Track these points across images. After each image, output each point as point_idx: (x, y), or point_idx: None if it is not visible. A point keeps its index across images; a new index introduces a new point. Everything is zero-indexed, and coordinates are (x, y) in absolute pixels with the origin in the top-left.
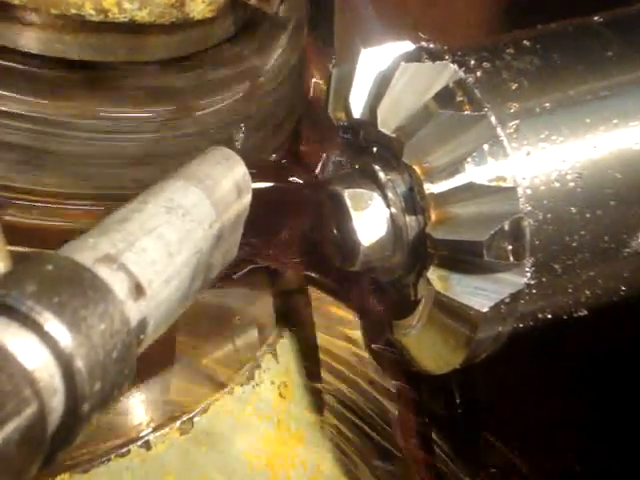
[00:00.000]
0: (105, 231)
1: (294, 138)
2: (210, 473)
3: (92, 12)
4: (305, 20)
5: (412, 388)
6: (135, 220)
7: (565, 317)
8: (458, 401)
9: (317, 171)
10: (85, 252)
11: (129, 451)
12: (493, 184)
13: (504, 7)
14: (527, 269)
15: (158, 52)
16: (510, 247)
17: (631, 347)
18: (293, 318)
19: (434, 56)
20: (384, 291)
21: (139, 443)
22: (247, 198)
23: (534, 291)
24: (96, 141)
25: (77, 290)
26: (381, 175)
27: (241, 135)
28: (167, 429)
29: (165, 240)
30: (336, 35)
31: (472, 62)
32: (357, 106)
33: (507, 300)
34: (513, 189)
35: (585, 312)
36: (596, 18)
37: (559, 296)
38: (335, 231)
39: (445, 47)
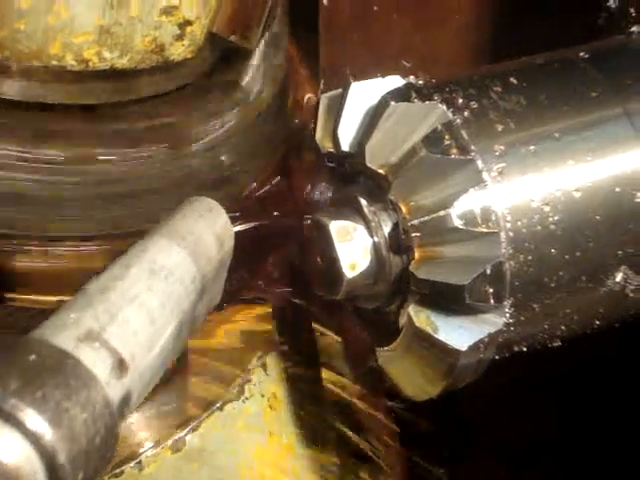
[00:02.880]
0: (88, 302)
1: (282, 164)
2: None
3: (73, 63)
4: (285, 48)
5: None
6: (117, 289)
7: (539, 347)
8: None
9: (303, 198)
10: (67, 331)
11: (122, 472)
12: (477, 229)
13: (489, 35)
14: (507, 310)
15: (139, 92)
16: (491, 290)
17: (609, 365)
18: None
19: (422, 95)
20: (367, 318)
21: (132, 464)
22: (229, 246)
23: (512, 328)
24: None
25: (60, 380)
26: (366, 208)
27: (227, 159)
28: (159, 449)
29: (147, 307)
30: (321, 60)
31: (460, 101)
32: (345, 139)
33: (486, 339)
34: (496, 234)
35: (559, 343)
36: (582, 54)
37: (535, 331)
38: (319, 260)
39: (433, 81)
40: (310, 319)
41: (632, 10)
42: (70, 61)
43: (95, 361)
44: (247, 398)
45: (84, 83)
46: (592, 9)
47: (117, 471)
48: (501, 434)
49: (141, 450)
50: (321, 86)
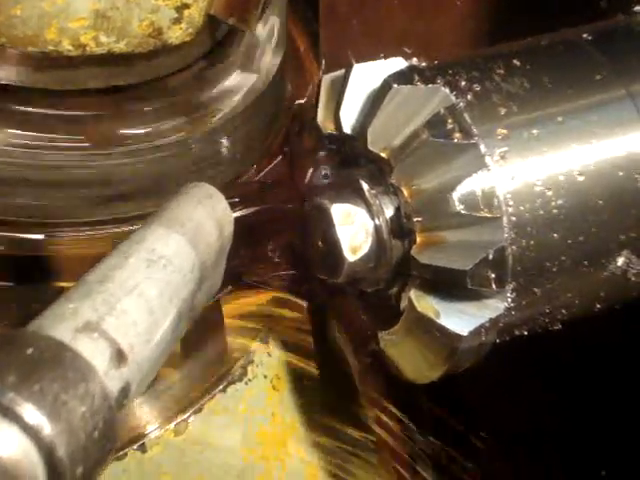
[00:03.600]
0: (86, 292)
1: (283, 145)
2: (206, 471)
3: (70, 48)
4: (285, 31)
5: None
6: (116, 279)
7: (540, 331)
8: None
9: (304, 181)
10: (65, 322)
11: (125, 454)
12: (479, 214)
13: (490, 20)
14: (508, 294)
15: (137, 77)
16: (493, 275)
17: (612, 351)
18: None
19: (425, 77)
20: (368, 301)
21: (135, 446)
22: (229, 232)
23: (513, 312)
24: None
25: (58, 373)
26: (368, 192)
27: (226, 145)
28: (162, 431)
29: (146, 297)
30: (321, 45)
31: (463, 83)
32: (347, 121)
33: (487, 324)
34: (499, 219)
35: (559, 326)
36: (585, 35)
37: (537, 315)
38: (320, 243)
39: (436, 63)
40: (312, 302)
41: None
42: (67, 46)
43: (94, 352)
44: (250, 380)
45: (81, 68)
46: None
47: (120, 454)
48: (501, 420)
49: (144, 433)
50: (322, 67)
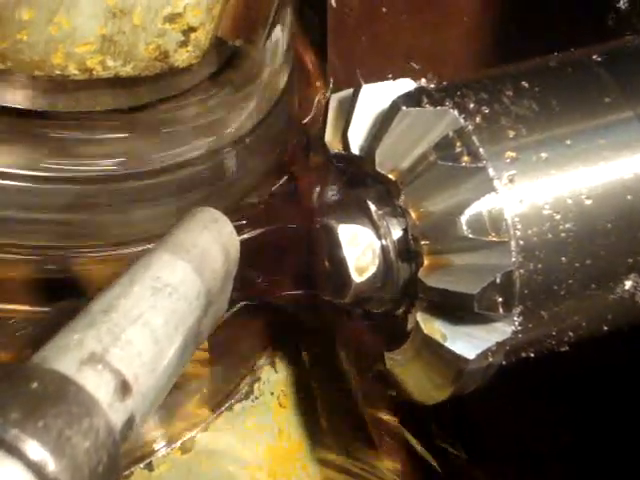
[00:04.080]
0: (91, 322)
1: (290, 164)
2: None
3: (76, 72)
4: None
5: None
6: (120, 308)
7: (547, 353)
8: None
9: (311, 200)
10: (70, 353)
11: (132, 473)
12: (487, 238)
13: (496, 35)
14: (515, 318)
15: (144, 99)
16: (500, 299)
17: (619, 370)
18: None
19: (434, 99)
20: (375, 321)
21: (142, 465)
22: (235, 256)
23: (520, 335)
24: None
25: (62, 408)
26: (375, 212)
27: (233, 162)
28: (169, 449)
29: (151, 327)
30: (329, 60)
31: (471, 106)
32: (355, 142)
33: (494, 347)
34: (507, 243)
35: (567, 348)
36: (594, 57)
37: (543, 338)
38: (327, 263)
39: (444, 84)
40: (318, 320)
41: None
42: (73, 70)
43: (98, 384)
44: (257, 397)
45: (87, 91)
46: (601, 9)
47: (127, 472)
48: (509, 438)
49: (151, 451)
50: (330, 85)
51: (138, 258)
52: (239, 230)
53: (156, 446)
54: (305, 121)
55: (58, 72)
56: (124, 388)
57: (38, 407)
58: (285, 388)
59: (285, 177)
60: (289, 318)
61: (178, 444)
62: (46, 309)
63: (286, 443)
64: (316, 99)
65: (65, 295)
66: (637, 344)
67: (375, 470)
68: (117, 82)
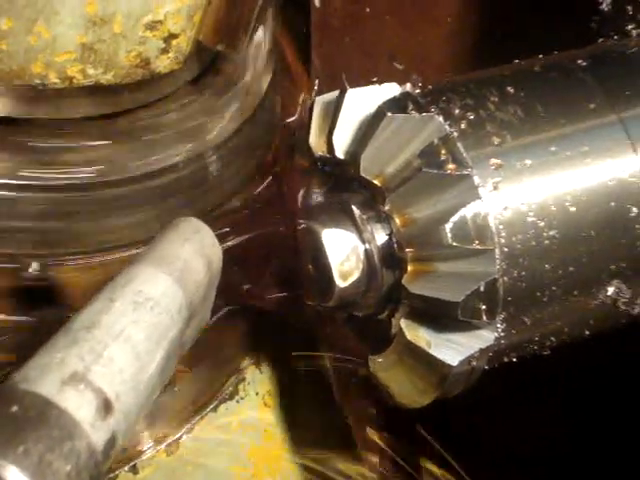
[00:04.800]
0: (73, 340)
1: (273, 166)
2: None
3: (56, 81)
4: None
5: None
6: (102, 324)
7: (529, 357)
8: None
9: (296, 203)
10: (52, 373)
11: (117, 476)
12: (471, 247)
13: (480, 36)
14: (498, 324)
15: (126, 104)
16: (484, 307)
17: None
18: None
19: (419, 105)
20: (359, 325)
21: (126, 468)
22: (218, 266)
23: (503, 341)
24: None
25: (42, 432)
26: (360, 217)
27: (216, 166)
28: (153, 452)
29: (133, 342)
30: (313, 61)
31: (456, 111)
32: (340, 146)
33: (477, 354)
34: (491, 251)
35: (548, 352)
36: (580, 61)
37: (526, 343)
38: (311, 267)
39: (430, 87)
40: (303, 321)
41: (629, 8)
42: (53, 79)
43: (80, 404)
44: (242, 398)
45: (68, 98)
46: (584, 11)
47: (112, 475)
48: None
49: (135, 454)
50: (315, 87)
51: (120, 271)
52: (223, 238)
53: (141, 448)
54: (290, 121)
55: (38, 81)
56: (106, 407)
57: (18, 432)
58: (270, 388)
59: (269, 179)
60: (273, 320)
61: (163, 446)
62: (25, 318)
63: (271, 443)
64: (301, 99)
65: (45, 303)
66: (621, 346)
67: (357, 469)
68: (98, 89)
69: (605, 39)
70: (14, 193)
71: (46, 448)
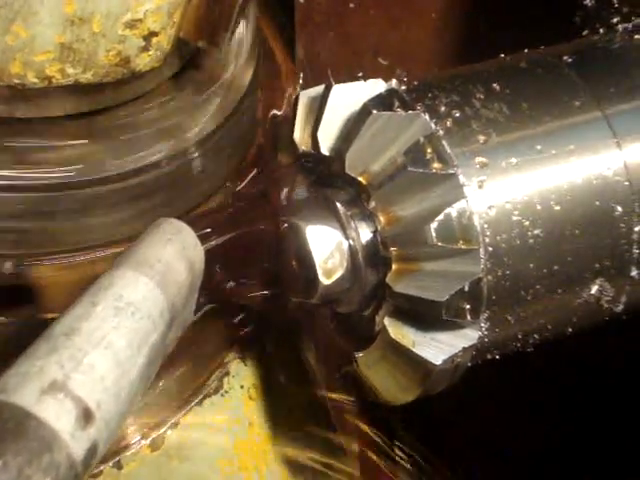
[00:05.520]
0: (53, 347)
1: (257, 161)
2: None
3: (35, 80)
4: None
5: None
6: (83, 331)
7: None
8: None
9: (279, 198)
10: (31, 383)
11: (101, 472)
12: (456, 246)
13: (464, 31)
14: (482, 323)
15: (105, 102)
16: (468, 306)
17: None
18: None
19: (405, 103)
20: (343, 322)
21: (110, 463)
22: (199, 268)
23: (486, 340)
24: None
25: (21, 445)
26: (344, 214)
27: (197, 163)
28: (138, 447)
29: (114, 349)
30: (297, 56)
31: (442, 109)
32: (325, 142)
33: (460, 353)
34: (475, 251)
35: (532, 349)
36: (565, 57)
37: (509, 341)
38: (294, 264)
39: (415, 84)
40: (287, 318)
41: (615, 0)
42: (32, 79)
43: (59, 414)
44: (226, 391)
45: (48, 97)
46: (568, 6)
47: (95, 471)
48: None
49: (120, 449)
50: (300, 80)
51: (102, 274)
52: (206, 239)
53: (125, 444)
54: (274, 116)
55: (17, 81)
56: (86, 416)
57: None
58: (255, 381)
59: (252, 174)
60: (256, 316)
61: (147, 441)
62: (2, 319)
63: (257, 436)
64: (287, 94)
65: (23, 303)
66: (598, 342)
67: (342, 459)
68: (77, 88)
69: (590, 33)
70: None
71: (25, 461)
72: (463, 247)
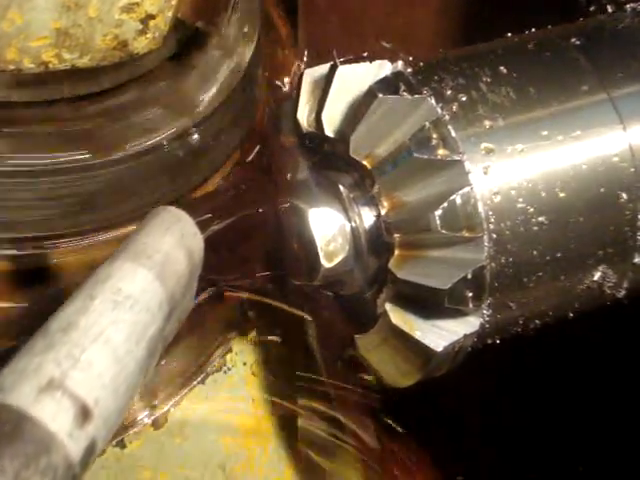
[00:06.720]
0: (50, 343)
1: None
2: (186, 463)
3: (31, 66)
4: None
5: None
6: (80, 326)
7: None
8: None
9: (282, 179)
10: (28, 381)
11: (104, 451)
12: (460, 234)
13: (466, 13)
14: (484, 310)
15: (104, 84)
16: (470, 294)
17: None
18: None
19: (411, 86)
20: (345, 304)
21: (114, 442)
22: (199, 257)
23: (487, 326)
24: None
25: (18, 448)
26: (347, 198)
27: (200, 144)
28: (141, 425)
29: (112, 344)
30: (300, 40)
31: (449, 92)
32: (329, 124)
33: (461, 340)
34: (479, 238)
35: (532, 334)
36: (573, 40)
37: (510, 326)
38: (296, 247)
39: (421, 66)
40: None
41: None
42: (28, 64)
43: (56, 413)
44: (229, 368)
45: (45, 83)
46: None
47: None
48: (489, 422)
49: (123, 428)
50: (305, 57)
51: (99, 267)
52: (207, 224)
53: (128, 423)
54: (277, 94)
55: (13, 67)
56: (84, 414)
57: None
58: (258, 357)
59: (253, 153)
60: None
61: (150, 420)
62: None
63: (260, 412)
64: (292, 71)
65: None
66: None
67: (344, 434)
68: (75, 72)
69: (598, 11)
70: (5, 179)
71: (21, 465)
72: (467, 235)
